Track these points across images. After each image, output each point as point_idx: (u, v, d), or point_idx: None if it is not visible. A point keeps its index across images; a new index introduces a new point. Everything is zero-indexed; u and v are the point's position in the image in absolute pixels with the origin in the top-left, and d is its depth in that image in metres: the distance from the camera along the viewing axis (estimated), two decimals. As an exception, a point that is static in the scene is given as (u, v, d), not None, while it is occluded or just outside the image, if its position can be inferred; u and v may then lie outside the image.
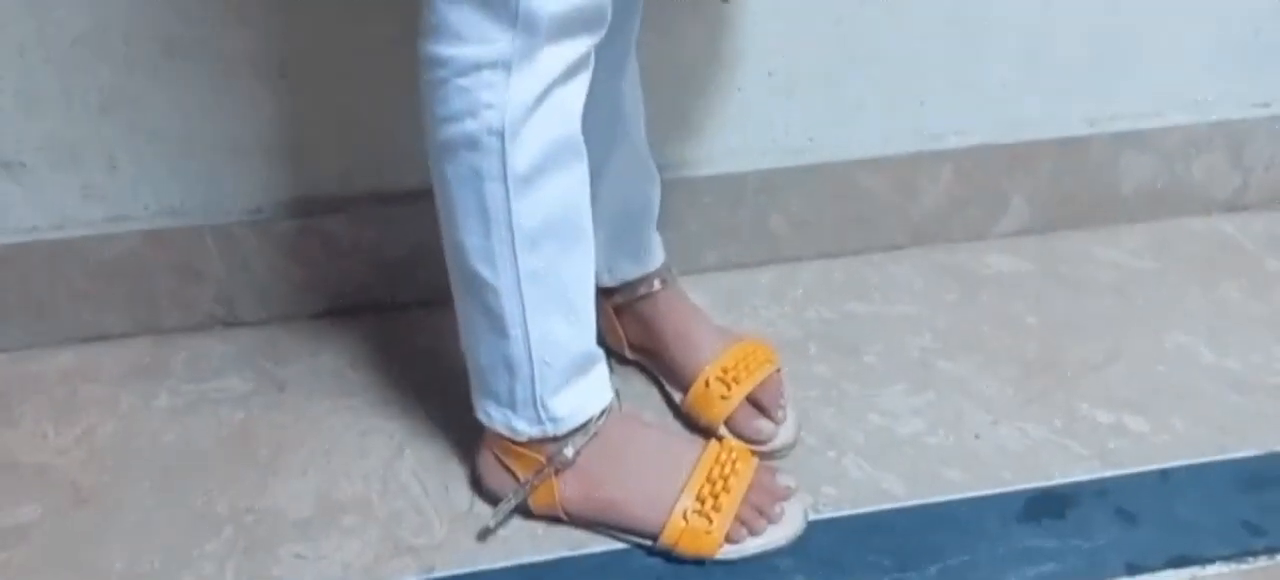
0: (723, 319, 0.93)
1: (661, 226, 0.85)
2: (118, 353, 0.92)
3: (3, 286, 0.89)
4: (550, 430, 0.70)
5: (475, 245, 0.65)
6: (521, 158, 0.62)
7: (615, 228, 0.82)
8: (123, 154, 0.86)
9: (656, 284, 0.84)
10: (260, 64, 0.84)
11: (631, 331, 0.87)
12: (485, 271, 0.66)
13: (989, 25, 0.94)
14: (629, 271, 0.84)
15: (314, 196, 0.91)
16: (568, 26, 0.60)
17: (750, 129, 0.95)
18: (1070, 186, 1.03)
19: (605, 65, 0.70)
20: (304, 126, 0.88)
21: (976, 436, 0.81)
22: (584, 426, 0.71)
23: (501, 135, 0.61)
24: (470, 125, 0.61)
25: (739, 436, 0.79)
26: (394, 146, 0.89)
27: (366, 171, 0.90)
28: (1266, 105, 1.03)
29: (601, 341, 0.74)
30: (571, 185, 0.66)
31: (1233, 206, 1.07)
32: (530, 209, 0.64)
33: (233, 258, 0.91)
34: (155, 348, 0.93)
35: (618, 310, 0.86)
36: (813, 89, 0.95)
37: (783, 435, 0.79)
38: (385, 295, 0.95)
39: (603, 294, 0.85)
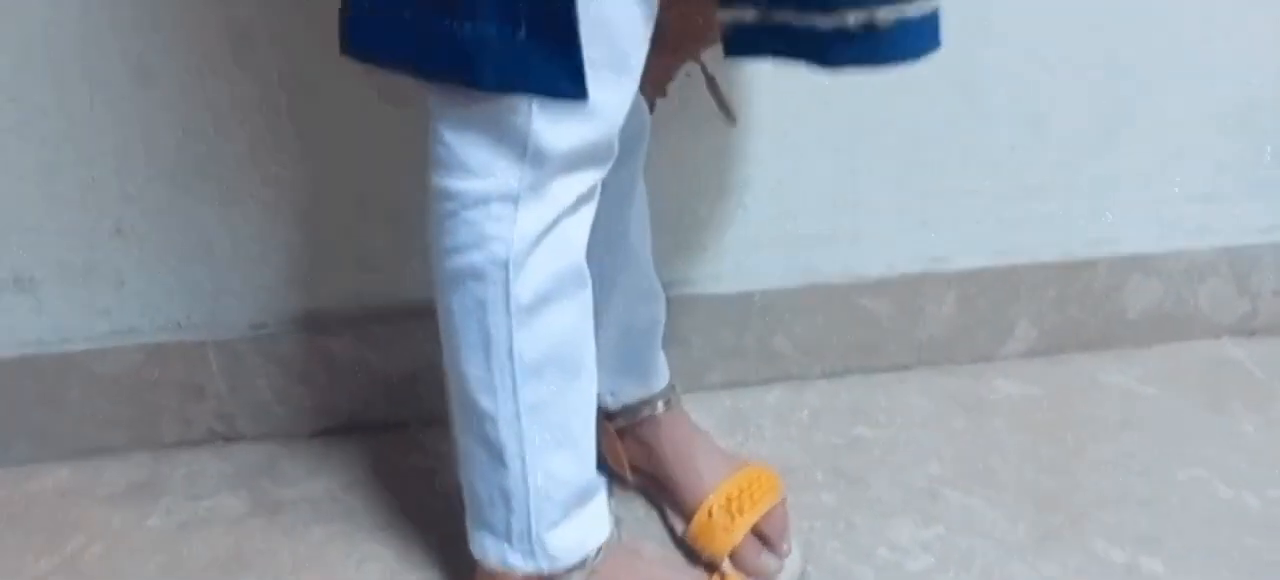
0: (727, 441, 0.91)
1: (665, 345, 0.85)
2: (116, 468, 0.91)
3: (5, 400, 0.89)
4: (546, 568, 0.68)
5: (476, 375, 0.65)
6: (526, 288, 0.62)
7: (619, 350, 0.82)
8: (132, 273, 0.87)
9: (660, 406, 0.83)
10: (271, 185, 0.86)
11: (634, 454, 0.85)
12: (485, 402, 0.65)
13: (990, 149, 0.95)
14: (632, 394, 0.84)
15: (318, 312, 0.91)
16: (577, 161, 0.61)
17: (755, 248, 0.96)
18: (1076, 310, 1.03)
19: (612, 193, 0.71)
20: (311, 244, 0.89)
21: (988, 575, 0.78)
22: (581, 563, 0.69)
23: (506, 266, 0.61)
24: (476, 257, 0.61)
25: (743, 571, 0.77)
26: (400, 263, 0.90)
27: (372, 287, 0.91)
28: (1271, 230, 1.04)
29: (602, 464, 0.73)
30: (575, 315, 0.65)
31: (1241, 331, 1.07)
32: (533, 339, 0.64)
33: (235, 374, 0.91)
34: (154, 464, 0.92)
35: (620, 433, 0.85)
36: (817, 210, 0.96)
37: (788, 571, 0.77)
38: (387, 413, 0.95)
39: (605, 416, 0.84)
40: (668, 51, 0.78)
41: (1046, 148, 0.96)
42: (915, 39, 0.53)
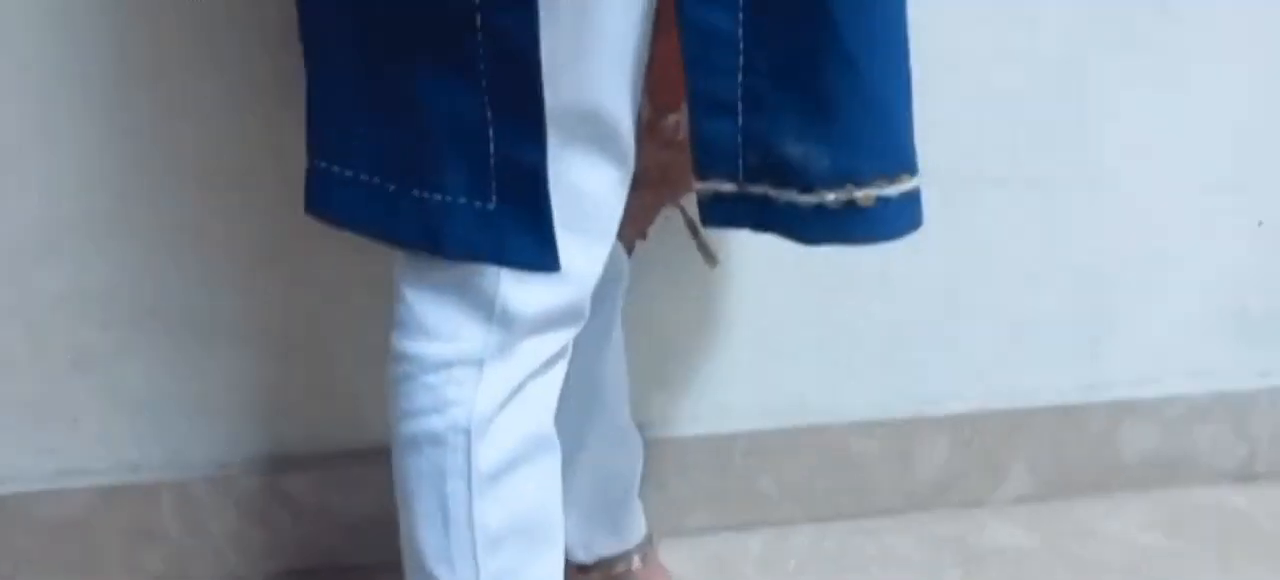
0: (708, 592, 0.87)
1: (644, 486, 0.81)
2: (54, 616, 0.85)
3: (-59, 542, 0.84)
4: None
5: (433, 545, 0.60)
6: (488, 456, 0.59)
7: (592, 503, 0.78)
8: (87, 411, 0.84)
9: (636, 561, 0.80)
10: (234, 325, 0.83)
11: (608, 611, 0.81)
12: (442, 572, 0.61)
13: (981, 292, 0.94)
14: (606, 548, 0.80)
15: (280, 453, 0.87)
16: (546, 323, 0.58)
17: (739, 388, 0.93)
18: (1071, 454, 1.00)
19: (587, 340, 0.68)
20: (274, 383, 0.86)
21: None
22: None
23: (468, 433, 0.58)
24: (435, 422, 0.58)
25: None
26: (365, 403, 0.86)
27: (335, 427, 0.87)
28: (1267, 375, 1.01)
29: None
30: (540, 482, 0.62)
31: (1241, 477, 1.03)
32: (494, 508, 0.60)
33: (190, 518, 0.86)
34: (95, 612, 0.86)
35: (594, 588, 0.81)
36: (803, 350, 0.93)
37: None
38: (349, 557, 0.90)
39: (578, 569, 0.80)
40: (648, 195, 0.77)
41: (1039, 292, 0.94)
42: (896, 218, 0.51)
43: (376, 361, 0.82)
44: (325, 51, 0.55)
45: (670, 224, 0.85)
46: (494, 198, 0.52)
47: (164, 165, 0.79)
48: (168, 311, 0.82)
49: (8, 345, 0.81)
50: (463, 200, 0.52)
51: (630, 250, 0.78)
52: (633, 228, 0.78)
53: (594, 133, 0.54)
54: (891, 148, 0.51)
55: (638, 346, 0.82)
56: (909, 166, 0.51)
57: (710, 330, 0.92)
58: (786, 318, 0.92)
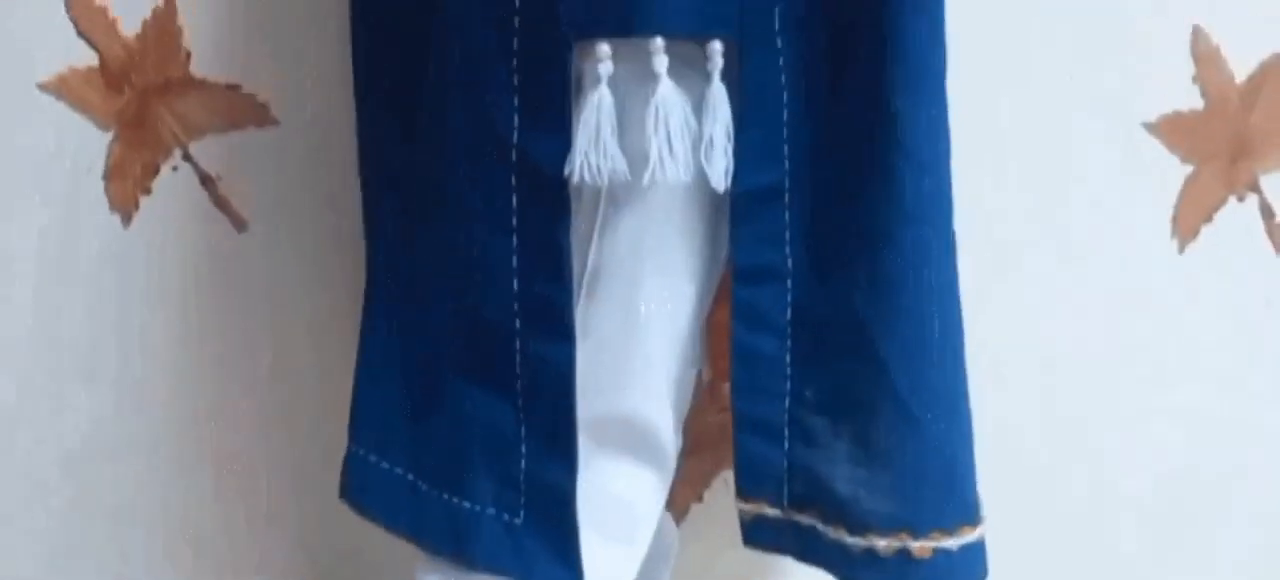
0: None
1: None
2: None
3: None
4: None
5: None
6: None
7: None
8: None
9: None
10: (268, 560, 0.82)
11: None
12: None
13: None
14: None
15: None
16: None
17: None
18: None
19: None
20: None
21: None
22: None
23: None
24: None
25: None
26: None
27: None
28: None
29: None
30: None
31: None
32: None
33: None
34: None
35: None
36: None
37: None
38: None
39: None
40: (706, 458, 0.74)
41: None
42: (955, 573, 0.47)
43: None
44: (373, 344, 0.56)
45: (728, 487, 0.82)
46: (521, 513, 0.51)
47: (216, 396, 0.80)
48: (205, 546, 0.82)
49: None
50: (490, 511, 0.51)
51: (682, 517, 0.75)
52: (688, 491, 0.75)
53: (630, 439, 0.53)
54: (951, 500, 0.47)
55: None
56: (971, 518, 0.47)
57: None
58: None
